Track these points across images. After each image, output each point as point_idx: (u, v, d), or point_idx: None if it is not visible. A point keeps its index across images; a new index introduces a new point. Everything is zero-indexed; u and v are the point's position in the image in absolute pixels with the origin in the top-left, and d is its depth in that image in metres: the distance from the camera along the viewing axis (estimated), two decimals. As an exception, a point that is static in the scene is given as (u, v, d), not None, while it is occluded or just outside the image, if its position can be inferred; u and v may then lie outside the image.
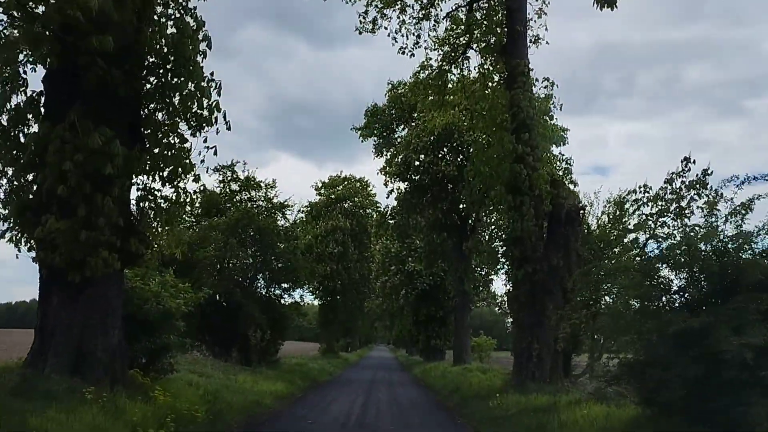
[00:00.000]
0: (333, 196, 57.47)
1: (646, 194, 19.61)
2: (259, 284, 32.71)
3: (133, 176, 11.87)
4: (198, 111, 12.09)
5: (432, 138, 32.88)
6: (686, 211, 18.78)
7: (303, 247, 51.27)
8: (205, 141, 12.21)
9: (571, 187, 23.35)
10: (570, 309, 18.76)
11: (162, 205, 12.31)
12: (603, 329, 14.40)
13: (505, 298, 21.79)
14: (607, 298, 19.34)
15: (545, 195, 19.67)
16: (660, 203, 19.41)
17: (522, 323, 19.55)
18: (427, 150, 32.92)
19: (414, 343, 60.43)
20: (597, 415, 11.53)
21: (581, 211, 20.00)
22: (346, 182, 58.58)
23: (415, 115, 35.08)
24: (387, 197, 35.42)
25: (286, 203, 32.73)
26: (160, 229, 12.45)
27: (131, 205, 12.34)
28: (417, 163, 33.41)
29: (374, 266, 54.39)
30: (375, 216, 53.12)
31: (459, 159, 33.04)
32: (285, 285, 33.78)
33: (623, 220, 20.88)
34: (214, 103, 12.16)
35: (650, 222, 19.51)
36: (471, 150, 33.04)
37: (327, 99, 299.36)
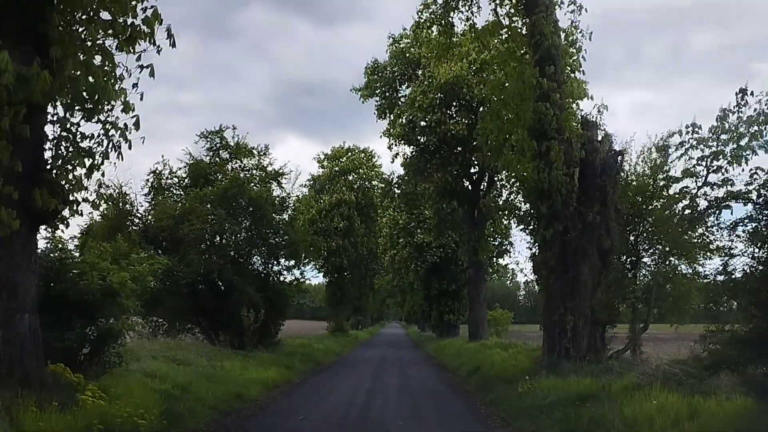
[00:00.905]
0: (337, 169, 54.26)
1: (695, 135, 16.40)
2: (255, 261, 29.74)
3: (43, 105, 8.71)
4: (127, 20, 8.89)
5: (439, 95, 29.55)
6: (745, 152, 15.60)
7: (305, 221, 48.70)
8: (138, 59, 9.05)
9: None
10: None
11: (82, 144, 9.11)
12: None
13: (526, 268, 18.52)
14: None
15: (576, 138, 16.41)
16: (712, 145, 16.19)
17: (552, 292, 16.38)
18: (433, 108, 29.57)
19: (426, 319, 57.47)
20: (678, 409, 8.33)
21: (619, 157, 16.70)
22: (350, 153, 55.32)
23: (420, 72, 31.72)
24: (392, 161, 32.34)
25: (281, 171, 29.59)
26: (84, 178, 9.21)
27: (45, 146, 9.19)
28: (423, 123, 30.07)
29: (382, 240, 51.25)
30: (381, 186, 49.99)
31: (469, 117, 29.71)
32: (284, 261, 30.82)
33: (665, 168, 17.67)
34: (150, 10, 8.98)
35: (701, 167, 16.35)
36: (482, 105, 29.87)
37: (331, 78, 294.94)
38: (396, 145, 31.60)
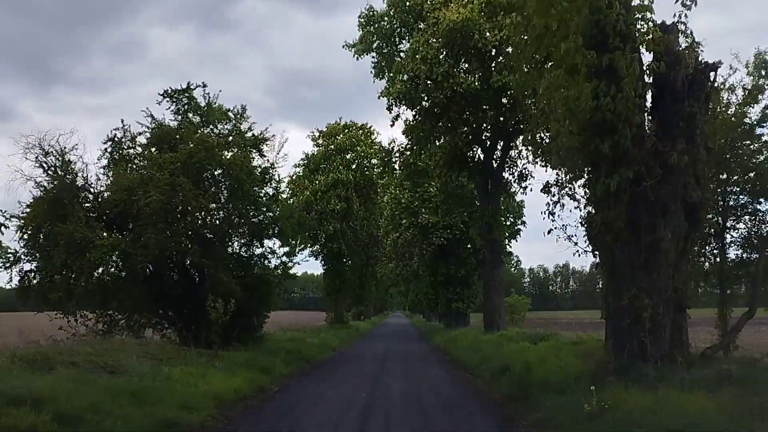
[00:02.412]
0: (333, 147, 49.29)
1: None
2: (234, 243, 24.95)
3: None
4: None
5: (446, 43, 24.56)
6: None
7: (299, 202, 43.90)
8: None
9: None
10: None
11: None
12: None
13: (574, 234, 13.61)
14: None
15: (649, 48, 11.52)
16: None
17: (619, 265, 11.54)
18: (439, 59, 24.60)
19: (432, 308, 52.74)
20: None
21: (712, 73, 11.74)
22: (347, 130, 50.35)
23: (423, 25, 26.71)
24: (391, 124, 27.17)
25: (262, 136, 24.75)
26: None
27: None
28: (428, 79, 25.02)
29: (383, 222, 46.36)
30: (381, 162, 45.13)
31: (482, 68, 24.73)
32: (270, 243, 26.05)
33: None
34: None
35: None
36: (498, 52, 24.99)
37: (329, 68, 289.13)
38: (396, 105, 26.64)
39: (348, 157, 49.60)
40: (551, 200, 25.77)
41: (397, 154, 30.34)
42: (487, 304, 28.86)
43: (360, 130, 50.59)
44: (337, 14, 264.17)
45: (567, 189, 25.81)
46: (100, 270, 20.51)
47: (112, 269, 21.39)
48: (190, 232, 21.52)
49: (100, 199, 21.53)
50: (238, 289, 21.53)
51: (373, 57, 28.85)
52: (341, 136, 49.75)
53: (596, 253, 12.29)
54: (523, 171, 30.70)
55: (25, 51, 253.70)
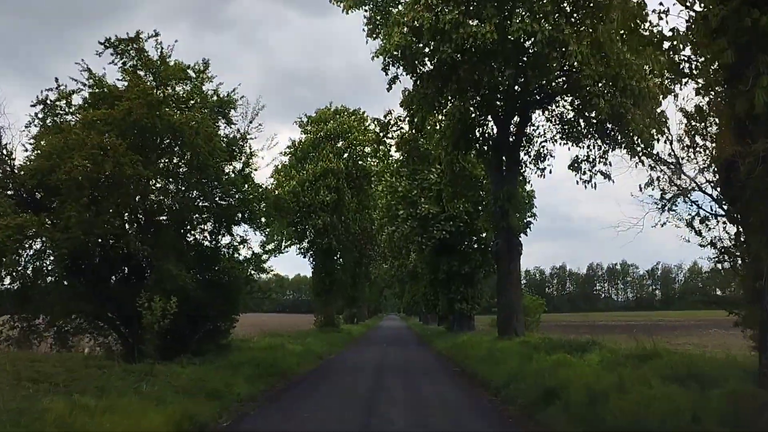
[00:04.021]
0: (322, 134, 44.36)
1: None
2: (195, 229, 20.08)
3: None
4: None
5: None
6: None
7: (285, 193, 38.94)
8: None
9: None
10: None
11: None
12: None
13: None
14: None
15: None
16: None
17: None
18: (447, 3, 19.79)
19: (431, 309, 47.84)
20: None
21: None
22: (337, 116, 45.42)
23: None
24: (388, 88, 22.23)
25: (229, 98, 19.92)
26: None
27: None
28: (433, 32, 20.02)
29: (378, 214, 41.41)
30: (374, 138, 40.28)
31: (500, 14, 19.81)
32: (241, 232, 21.25)
33: None
34: None
35: None
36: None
37: (324, 68, 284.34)
38: (394, 64, 21.78)
39: (339, 144, 44.69)
40: (581, 178, 21.18)
41: (394, 129, 25.37)
42: (502, 303, 23.97)
43: (352, 116, 45.68)
44: (328, 14, 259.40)
45: (601, 163, 21.08)
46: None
47: (29, 260, 16.66)
48: (127, 212, 16.67)
49: (16, 171, 16.72)
50: (192, 285, 16.69)
51: (365, 11, 23.93)
52: (332, 122, 44.83)
53: (736, 215, 7.41)
54: (541, 150, 26.09)
55: (18, 50, 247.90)
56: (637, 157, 21.44)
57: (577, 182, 22.47)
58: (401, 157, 35.81)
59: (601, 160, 22.01)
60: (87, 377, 11.40)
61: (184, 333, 17.66)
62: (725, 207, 7.83)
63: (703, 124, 8.49)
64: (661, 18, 8.97)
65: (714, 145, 8.00)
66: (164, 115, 16.41)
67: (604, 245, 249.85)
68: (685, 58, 7.96)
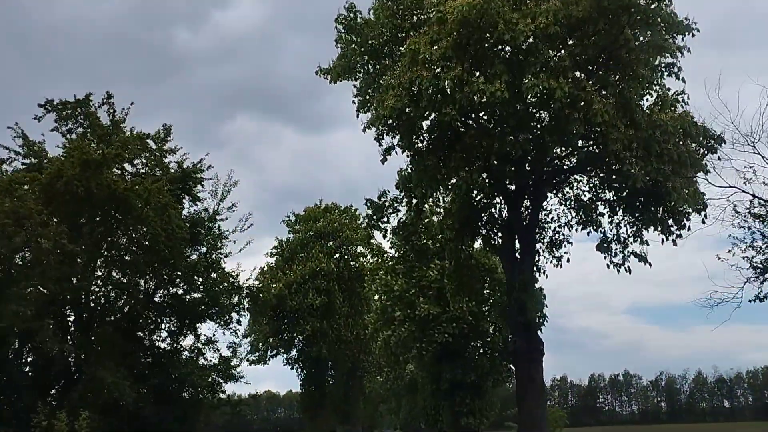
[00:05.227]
0: (312, 233, 41.13)
1: None
2: (148, 325, 16.31)
3: None
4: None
5: (457, 43, 17.02)
6: None
7: (270, 297, 35.12)
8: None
9: None
10: None
11: None
12: None
13: None
14: None
15: None
16: None
17: None
18: (449, 62, 17.03)
19: (432, 424, 42.68)
20: None
21: None
22: (328, 214, 42.41)
23: (423, 30, 19.21)
24: (382, 161, 19.12)
25: (194, 170, 16.73)
26: None
27: None
28: (434, 92, 17.17)
29: (372, 316, 37.42)
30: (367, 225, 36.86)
31: (509, 71, 16.96)
32: (208, 331, 17.56)
33: None
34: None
35: None
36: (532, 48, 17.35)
37: (318, 185, 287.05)
38: (387, 134, 18.80)
39: (330, 244, 41.40)
40: (611, 261, 17.76)
41: (390, 212, 21.88)
42: (524, 417, 19.68)
43: (344, 214, 42.72)
44: (323, 132, 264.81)
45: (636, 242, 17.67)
46: None
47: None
48: (46, 301, 12.97)
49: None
50: (134, 397, 12.73)
51: (354, 84, 21.17)
52: (322, 220, 41.78)
53: None
54: (555, 236, 22.75)
55: None
56: (675, 234, 18.28)
57: (608, 266, 18.95)
58: (396, 252, 32.49)
59: (636, 239, 18.57)
60: None
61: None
62: None
63: None
64: None
65: None
66: (104, 179, 13.08)
67: (603, 356, 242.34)
68: None
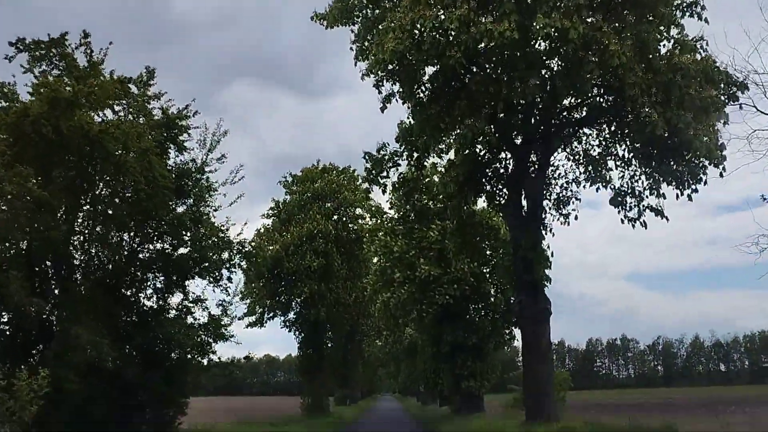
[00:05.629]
0: (309, 194, 39.91)
1: None
2: (134, 283, 15.33)
3: None
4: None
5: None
6: None
7: (266, 259, 34.15)
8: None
9: None
10: None
11: None
12: None
13: None
14: None
15: None
16: None
17: None
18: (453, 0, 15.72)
19: (432, 387, 42.20)
20: None
21: None
22: (326, 175, 41.15)
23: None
24: (382, 108, 17.89)
25: (178, 116, 15.56)
26: None
27: None
28: (436, 34, 15.90)
29: (371, 278, 36.43)
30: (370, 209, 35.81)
31: (518, 11, 15.67)
32: (198, 289, 16.55)
33: None
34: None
35: None
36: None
37: (316, 152, 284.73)
38: (387, 80, 17.56)
39: (328, 205, 40.18)
40: (626, 216, 16.73)
41: (390, 166, 20.62)
42: (529, 379, 18.80)
43: (342, 175, 41.40)
44: (321, 99, 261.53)
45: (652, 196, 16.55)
46: None
47: None
48: (9, 252, 11.88)
49: None
50: (115, 356, 11.74)
51: (352, 29, 19.76)
52: (320, 181, 40.48)
53: None
54: (562, 193, 21.67)
55: None
56: (690, 189, 17.14)
57: (622, 221, 17.85)
58: (396, 212, 31.42)
59: (652, 192, 17.38)
60: None
61: (108, 426, 12.64)
62: None
63: None
64: None
65: None
66: (77, 120, 11.86)
67: (600, 322, 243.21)
68: None
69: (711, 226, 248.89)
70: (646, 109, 15.24)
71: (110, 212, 14.08)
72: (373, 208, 34.69)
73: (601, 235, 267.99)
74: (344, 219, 40.77)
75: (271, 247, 36.18)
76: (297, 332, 39.71)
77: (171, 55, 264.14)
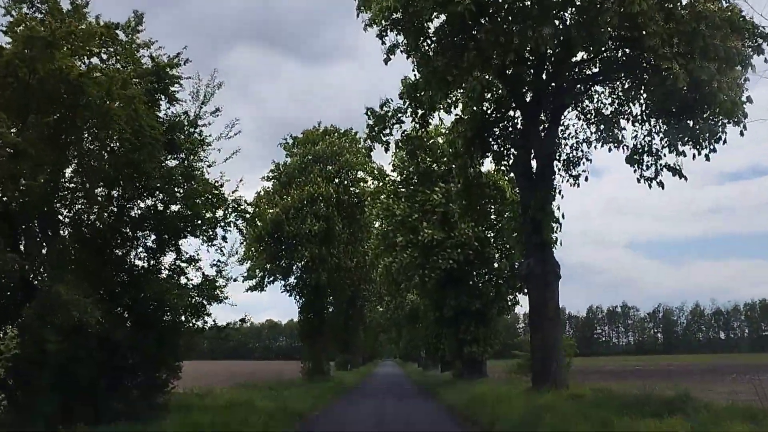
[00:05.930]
0: (310, 156, 39.00)
1: None
2: (125, 241, 14.56)
3: None
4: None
5: None
6: None
7: (266, 222, 33.49)
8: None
9: None
10: None
11: None
12: None
13: None
14: None
15: None
16: None
17: None
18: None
19: (434, 352, 41.83)
20: None
21: None
22: (327, 137, 40.18)
23: None
24: (385, 61, 16.93)
25: (168, 64, 14.64)
26: None
27: None
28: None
29: (372, 242, 35.73)
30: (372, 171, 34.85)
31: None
32: (191, 249, 15.86)
33: None
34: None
35: None
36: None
37: (318, 117, 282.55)
38: (391, 30, 16.57)
39: (329, 168, 39.31)
40: (642, 175, 15.96)
41: (392, 122, 19.68)
42: (536, 343, 18.16)
43: (343, 137, 40.44)
44: (323, 65, 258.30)
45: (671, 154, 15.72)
46: None
47: None
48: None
49: None
50: (100, 317, 11.03)
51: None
52: (321, 143, 39.53)
53: None
54: (572, 154, 20.80)
55: None
56: (708, 149, 16.23)
57: (638, 180, 16.97)
58: (399, 175, 30.63)
59: (671, 150, 16.43)
60: None
61: (96, 389, 12.01)
62: None
63: None
64: None
65: None
66: (61, 62, 10.95)
67: (601, 290, 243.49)
68: None
69: (714, 195, 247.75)
70: (667, 61, 14.22)
71: (95, 165, 13.24)
72: (375, 171, 33.83)
73: (602, 203, 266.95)
74: (346, 182, 39.98)
75: (271, 210, 35.47)
76: (298, 297, 39.20)
77: (170, 18, 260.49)
